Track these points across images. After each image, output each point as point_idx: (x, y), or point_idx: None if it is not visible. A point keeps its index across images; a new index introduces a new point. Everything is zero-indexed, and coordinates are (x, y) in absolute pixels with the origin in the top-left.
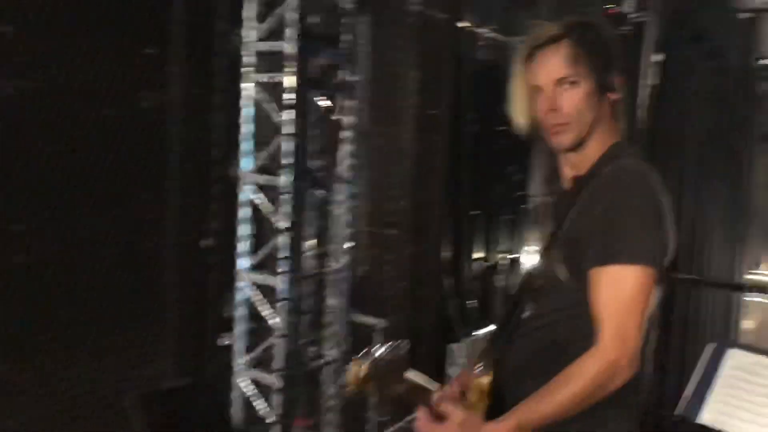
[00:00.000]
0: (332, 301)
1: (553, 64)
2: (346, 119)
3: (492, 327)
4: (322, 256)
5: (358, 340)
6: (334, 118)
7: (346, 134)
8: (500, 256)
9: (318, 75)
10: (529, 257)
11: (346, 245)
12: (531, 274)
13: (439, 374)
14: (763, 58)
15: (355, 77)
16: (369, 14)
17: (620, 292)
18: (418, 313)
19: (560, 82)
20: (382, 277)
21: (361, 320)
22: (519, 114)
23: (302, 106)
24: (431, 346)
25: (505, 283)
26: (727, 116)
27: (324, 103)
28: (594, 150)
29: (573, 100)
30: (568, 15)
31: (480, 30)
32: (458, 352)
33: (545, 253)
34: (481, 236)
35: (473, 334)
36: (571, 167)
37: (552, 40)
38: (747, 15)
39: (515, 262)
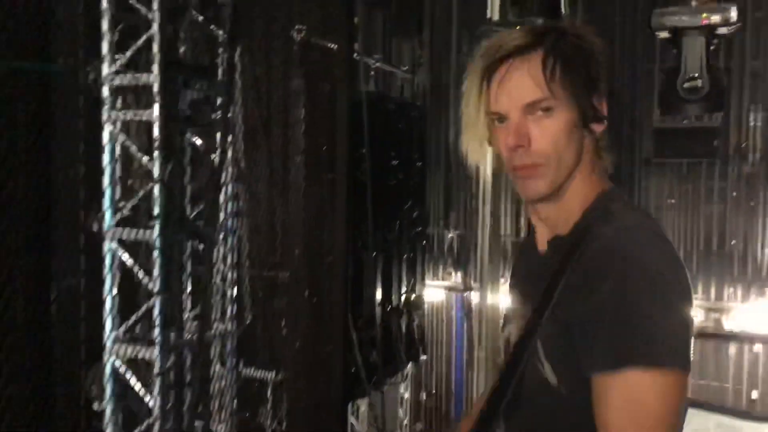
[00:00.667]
0: (219, 365)
1: (521, 84)
2: (226, 159)
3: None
4: (204, 315)
5: (250, 396)
6: (212, 158)
7: (226, 176)
8: (403, 297)
9: (190, 111)
10: (431, 293)
11: (231, 298)
12: (502, 378)
13: None
14: None
15: (234, 113)
16: (246, 43)
17: (642, 408)
18: (318, 365)
19: (530, 108)
20: (274, 326)
21: (252, 375)
22: (473, 151)
23: (173, 146)
24: (334, 401)
25: (408, 325)
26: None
27: (199, 142)
28: (575, 200)
29: (548, 132)
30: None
31: (368, 59)
32: (364, 407)
33: (522, 343)
34: (381, 278)
35: (380, 384)
36: (545, 223)
37: (519, 51)
38: None
39: (418, 301)
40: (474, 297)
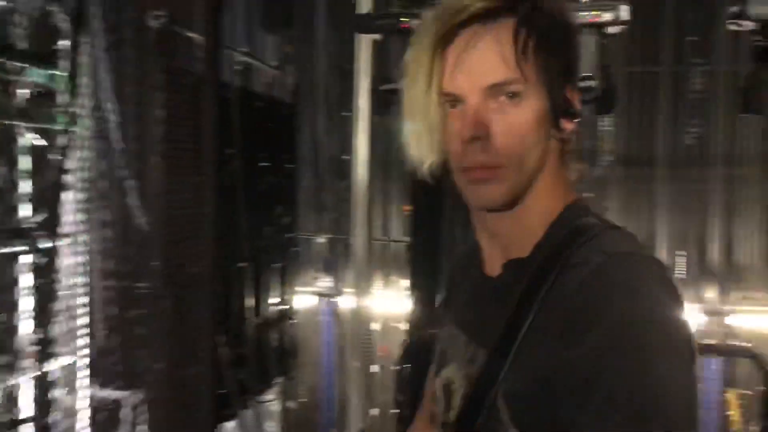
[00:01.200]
0: (66, 402)
1: (486, 59)
2: (69, 160)
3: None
4: (44, 342)
5: (104, 418)
6: (52, 158)
7: (69, 179)
8: (273, 307)
9: (24, 104)
10: (301, 300)
11: (79, 321)
12: None
13: None
14: None
15: (79, 107)
16: (95, 30)
17: None
18: (183, 384)
19: (494, 91)
20: (131, 341)
21: (105, 395)
22: (419, 144)
23: (5, 145)
24: (201, 423)
25: (279, 336)
26: None
27: (36, 140)
28: (537, 214)
29: (513, 124)
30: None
31: (235, 53)
32: (233, 426)
33: (475, 398)
34: (251, 289)
35: (250, 403)
36: (497, 239)
37: (484, 17)
38: None
39: (289, 311)
40: (345, 302)
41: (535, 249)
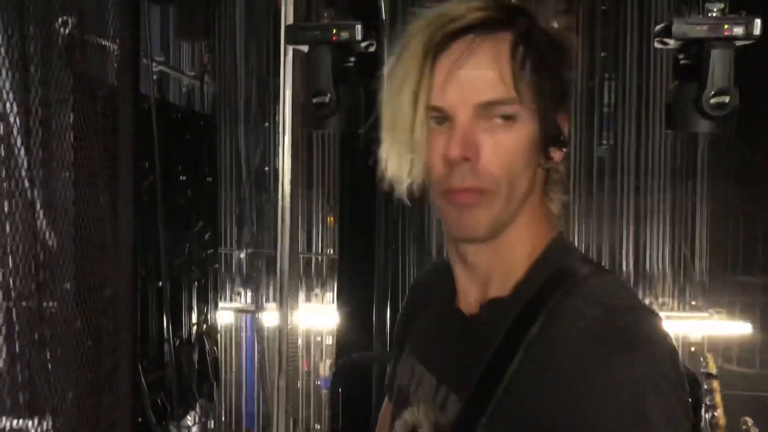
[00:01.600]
0: None
1: (480, 74)
2: None
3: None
4: None
5: None
6: None
7: None
8: (194, 327)
9: None
10: (222, 316)
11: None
12: None
13: None
14: None
15: None
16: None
17: None
18: (96, 412)
19: (486, 110)
20: (39, 366)
21: (14, 426)
22: (398, 162)
23: None
24: None
25: (200, 357)
26: None
27: None
28: (520, 248)
29: (504, 148)
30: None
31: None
32: None
33: None
34: (170, 309)
35: (171, 428)
36: (474, 273)
37: (482, 26)
38: None
39: (211, 330)
40: (268, 318)
41: (517, 288)
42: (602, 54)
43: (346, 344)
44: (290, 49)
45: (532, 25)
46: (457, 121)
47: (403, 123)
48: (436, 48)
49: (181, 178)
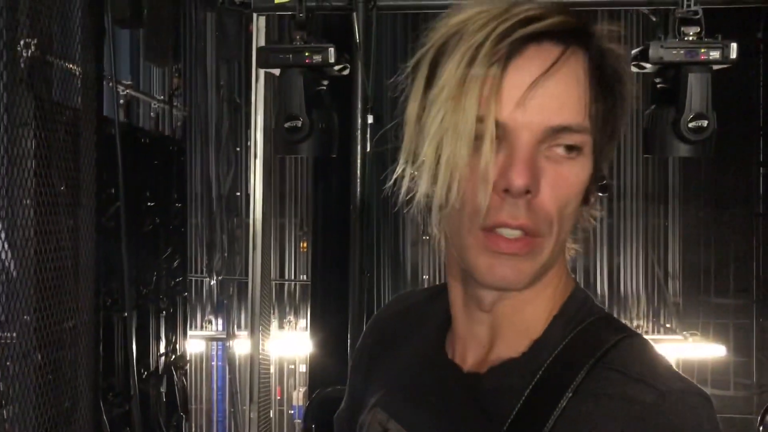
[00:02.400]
0: None
1: (558, 92)
2: None
3: None
4: None
5: None
6: None
7: None
8: (162, 358)
9: None
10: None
11: None
12: None
13: None
14: None
15: None
16: None
17: None
18: None
19: (555, 135)
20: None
21: None
22: (437, 182)
23: None
24: None
25: (168, 389)
26: None
27: None
28: (545, 301)
29: (566, 183)
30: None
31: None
32: None
33: None
34: (136, 340)
35: None
36: (485, 325)
37: (559, 35)
38: None
39: (179, 360)
40: (239, 346)
41: (533, 349)
42: None
43: (319, 372)
44: (262, 72)
45: (602, 48)
46: (519, 143)
47: (460, 138)
48: (508, 52)
49: (149, 204)
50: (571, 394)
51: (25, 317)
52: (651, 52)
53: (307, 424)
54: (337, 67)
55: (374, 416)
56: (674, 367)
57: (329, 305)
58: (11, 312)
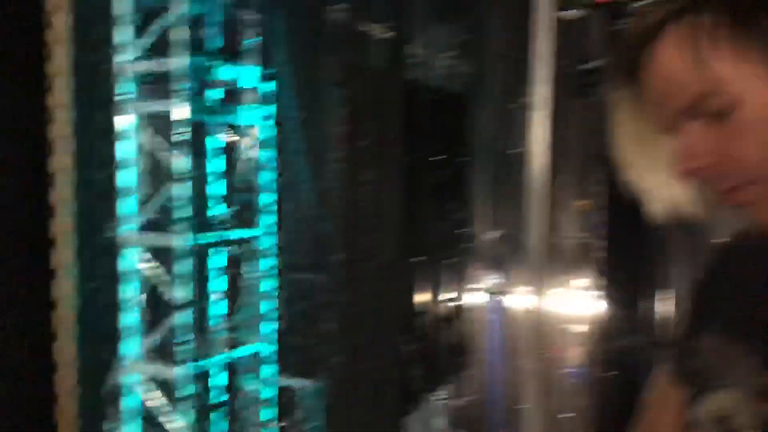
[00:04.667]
0: (251, 389)
1: None
2: (259, 154)
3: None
4: (234, 329)
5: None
6: (243, 154)
7: (260, 173)
8: (444, 305)
9: (217, 101)
10: (471, 298)
11: (265, 309)
12: None
13: None
14: None
15: (267, 104)
16: (282, 26)
17: None
18: (364, 376)
19: None
20: (312, 332)
21: (288, 383)
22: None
23: (199, 141)
24: (383, 415)
25: (451, 334)
26: None
27: (228, 135)
28: None
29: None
30: None
31: (410, 44)
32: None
33: None
34: (424, 284)
35: (423, 399)
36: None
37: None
38: None
39: (461, 308)
40: (515, 301)
41: None
42: None
43: (603, 331)
44: (548, 18)
45: None
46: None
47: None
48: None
49: (436, 158)
50: None
51: (337, 257)
52: None
53: (594, 376)
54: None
55: (710, 339)
56: None
57: (618, 265)
58: (325, 255)
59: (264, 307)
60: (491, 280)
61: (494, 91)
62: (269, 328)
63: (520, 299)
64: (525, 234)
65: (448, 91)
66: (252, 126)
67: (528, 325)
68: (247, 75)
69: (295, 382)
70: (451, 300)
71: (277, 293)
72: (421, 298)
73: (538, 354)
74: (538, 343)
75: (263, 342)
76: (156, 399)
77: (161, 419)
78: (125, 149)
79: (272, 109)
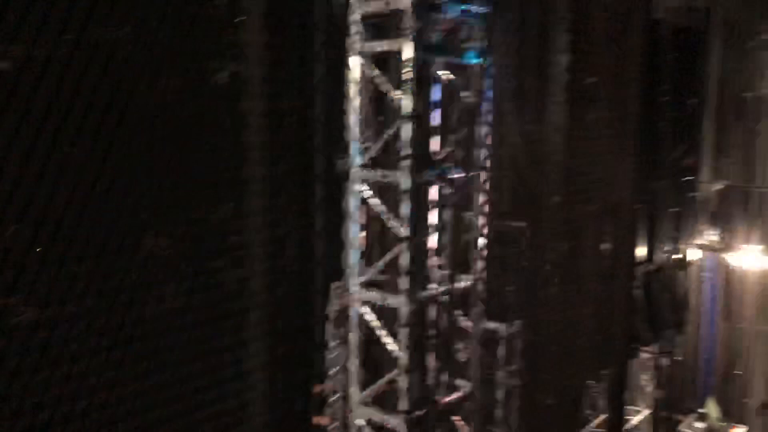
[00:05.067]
0: (466, 319)
1: None
2: (477, 95)
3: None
4: (452, 266)
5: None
6: (464, 95)
7: (477, 113)
8: (666, 256)
9: (439, 40)
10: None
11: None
12: None
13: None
14: None
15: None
16: None
17: None
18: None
19: None
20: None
21: (487, 325)
22: None
23: (425, 80)
24: (612, 355)
25: (671, 289)
26: None
27: (446, 75)
28: None
29: None
30: None
31: None
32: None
33: None
34: (644, 233)
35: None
36: None
37: None
38: None
39: (682, 262)
40: (736, 259)
41: None
42: None
43: None
44: None
45: None
46: None
47: None
48: None
49: (664, 98)
50: None
51: (554, 200)
52: None
53: None
54: None
55: None
56: None
57: None
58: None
59: (473, 248)
60: (713, 235)
61: (731, 29)
62: (475, 267)
63: (745, 257)
64: (752, 186)
65: (683, 27)
66: (472, 65)
67: (752, 287)
68: (473, 14)
69: (495, 325)
70: (671, 251)
71: (486, 236)
72: (640, 248)
73: (765, 317)
74: (764, 305)
75: (470, 280)
76: (378, 326)
77: (383, 340)
78: (353, 86)
79: (490, 48)
